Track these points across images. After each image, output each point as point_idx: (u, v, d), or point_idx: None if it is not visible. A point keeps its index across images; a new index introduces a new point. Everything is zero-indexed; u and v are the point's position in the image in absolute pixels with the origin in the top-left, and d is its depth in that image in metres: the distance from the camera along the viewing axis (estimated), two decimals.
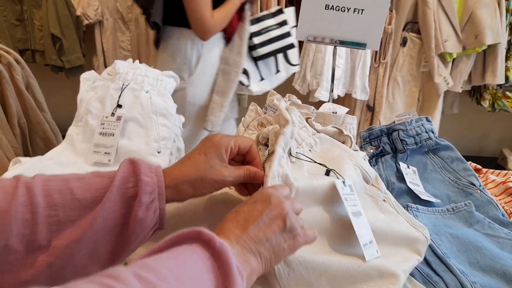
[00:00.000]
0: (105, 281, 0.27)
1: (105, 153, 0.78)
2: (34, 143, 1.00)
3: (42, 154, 0.85)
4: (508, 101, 2.36)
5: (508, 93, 2.34)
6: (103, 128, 0.80)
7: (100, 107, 0.82)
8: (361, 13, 0.88)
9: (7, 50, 0.95)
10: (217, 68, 1.41)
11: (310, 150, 0.65)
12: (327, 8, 0.87)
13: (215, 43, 1.38)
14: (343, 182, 0.56)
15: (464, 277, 0.60)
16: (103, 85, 0.85)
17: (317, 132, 0.71)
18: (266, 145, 0.74)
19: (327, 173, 0.59)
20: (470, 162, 0.96)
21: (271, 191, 0.43)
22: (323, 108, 0.80)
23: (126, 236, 0.40)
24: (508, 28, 2.24)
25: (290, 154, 0.59)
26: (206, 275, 0.32)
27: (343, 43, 0.92)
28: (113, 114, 0.81)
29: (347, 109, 0.80)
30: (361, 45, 0.93)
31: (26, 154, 0.99)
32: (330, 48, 2.05)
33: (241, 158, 0.51)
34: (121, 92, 0.82)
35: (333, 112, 0.77)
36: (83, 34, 2.43)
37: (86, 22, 2.26)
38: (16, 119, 0.94)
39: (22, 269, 0.37)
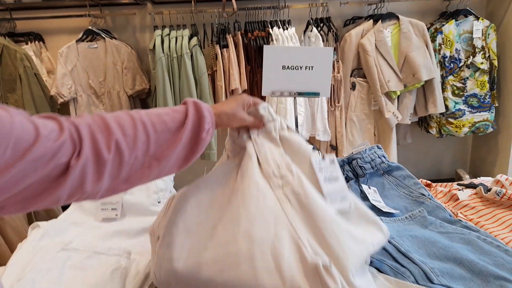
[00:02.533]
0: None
1: (112, 209, 0.89)
2: (37, 212, 1.09)
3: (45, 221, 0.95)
4: (452, 127, 2.66)
5: (450, 120, 2.65)
6: None
7: None
8: (312, 69, 1.08)
9: None
10: None
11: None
12: (284, 68, 1.07)
13: None
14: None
15: (424, 265, 0.74)
16: None
17: None
18: None
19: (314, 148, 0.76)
20: (421, 179, 1.14)
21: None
22: None
23: (194, 148, 0.64)
24: (439, 65, 2.59)
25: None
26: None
27: (300, 94, 1.12)
28: None
29: (312, 146, 0.97)
30: (315, 94, 1.13)
31: (30, 223, 1.07)
32: (290, 99, 2.29)
33: None
34: None
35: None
36: (58, 111, 2.55)
37: (61, 100, 2.40)
38: None
39: (140, 168, 0.58)
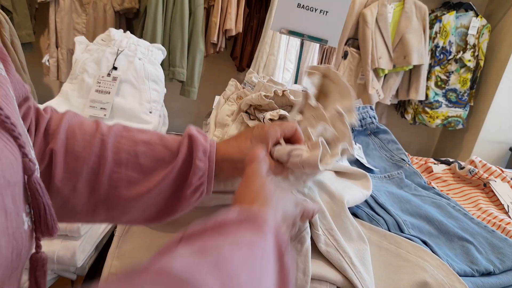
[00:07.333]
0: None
1: (101, 108, 0.85)
2: None
3: None
4: (426, 116, 2.75)
5: (427, 109, 2.74)
6: (99, 86, 0.87)
7: (96, 67, 0.90)
8: (325, 14, 1.06)
9: None
10: None
11: None
12: (298, 6, 1.04)
13: None
14: None
15: (397, 217, 0.79)
16: (98, 49, 0.92)
17: (291, 102, 0.87)
18: (247, 112, 0.89)
19: None
20: None
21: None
22: (293, 87, 0.96)
23: (173, 206, 0.45)
24: (429, 53, 2.63)
25: None
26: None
27: (309, 37, 1.10)
28: (109, 74, 0.89)
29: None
30: (323, 41, 1.11)
31: None
32: (282, 51, 2.25)
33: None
34: (117, 56, 0.91)
35: (302, 90, 0.93)
36: (35, 11, 2.36)
37: None
38: None
39: (82, 213, 0.42)
